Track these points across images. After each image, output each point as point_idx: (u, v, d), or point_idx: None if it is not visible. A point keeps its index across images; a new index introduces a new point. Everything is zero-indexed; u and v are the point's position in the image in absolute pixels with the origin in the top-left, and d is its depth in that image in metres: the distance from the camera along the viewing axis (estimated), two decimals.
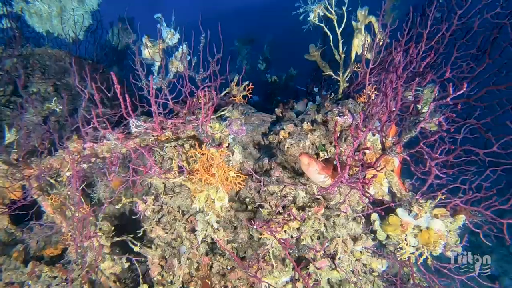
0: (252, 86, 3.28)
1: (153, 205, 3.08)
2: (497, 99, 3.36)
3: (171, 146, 2.69)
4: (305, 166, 2.52)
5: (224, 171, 2.41)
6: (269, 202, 2.83)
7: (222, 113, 3.05)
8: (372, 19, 3.26)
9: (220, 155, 2.39)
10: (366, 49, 3.24)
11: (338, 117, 2.89)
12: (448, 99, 2.07)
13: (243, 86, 3.14)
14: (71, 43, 5.23)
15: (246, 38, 6.34)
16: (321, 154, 2.77)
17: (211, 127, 2.73)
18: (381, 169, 2.11)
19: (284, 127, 3.27)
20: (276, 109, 3.69)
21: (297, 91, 5.63)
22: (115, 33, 5.83)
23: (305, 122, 3.09)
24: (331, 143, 2.86)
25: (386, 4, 3.74)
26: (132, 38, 3.48)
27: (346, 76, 3.49)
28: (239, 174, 2.47)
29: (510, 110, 3.28)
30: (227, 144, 2.65)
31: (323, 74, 3.60)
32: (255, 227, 2.27)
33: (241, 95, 3.15)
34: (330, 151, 2.78)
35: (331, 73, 3.49)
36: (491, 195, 2.56)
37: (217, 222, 2.49)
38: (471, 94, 3.39)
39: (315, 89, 3.77)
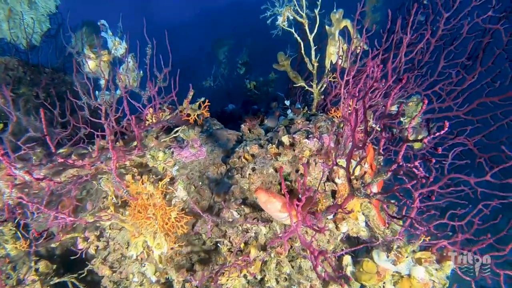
0: (209, 103, 2.85)
1: (98, 241, 2.66)
2: (491, 113, 2.97)
3: (107, 179, 2.25)
4: (263, 204, 2.11)
5: (165, 211, 1.99)
6: (229, 238, 2.43)
7: (175, 134, 2.62)
8: (347, 23, 2.84)
9: (159, 193, 1.96)
10: (341, 57, 2.82)
11: (306, 140, 2.47)
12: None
13: (197, 104, 2.71)
14: (28, 50, 4.77)
15: (223, 40, 5.88)
16: (285, 183, 2.35)
17: (153, 156, 2.30)
18: (349, 212, 1.69)
19: (248, 148, 2.86)
20: (242, 125, 3.26)
21: (277, 98, 5.22)
22: (78, 38, 5.35)
23: (271, 144, 2.67)
24: (297, 171, 2.45)
25: (366, 5, 3.32)
26: (75, 48, 3.02)
27: (321, 88, 3.07)
28: (182, 215, 2.05)
29: (506, 125, 2.89)
30: (170, 178, 2.22)
31: (294, 85, 3.19)
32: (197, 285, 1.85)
33: (195, 114, 2.72)
34: (295, 181, 2.36)
35: (304, 84, 3.07)
36: (483, 232, 2.17)
37: (155, 274, 2.07)
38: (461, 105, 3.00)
39: (287, 102, 3.35)
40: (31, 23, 4.53)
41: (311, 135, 2.54)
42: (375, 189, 2.57)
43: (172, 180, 2.30)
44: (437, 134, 2.54)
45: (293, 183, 2.36)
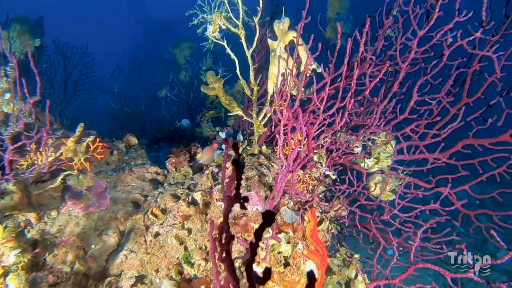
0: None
1: None
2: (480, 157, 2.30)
3: None
4: None
5: None
6: None
7: (54, 185, 1.93)
8: (294, 35, 2.15)
9: None
10: (286, 80, 2.12)
11: (219, 203, 1.79)
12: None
13: (83, 144, 1.99)
14: None
15: (183, 43, 5.15)
16: (186, 268, 1.68)
17: None
18: None
19: (159, 199, 2.18)
20: (167, 162, 2.57)
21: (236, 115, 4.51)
22: (11, 37, 4.61)
23: (182, 200, 1.99)
24: (206, 248, 1.77)
25: (327, 12, 2.61)
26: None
27: (263, 119, 2.38)
28: None
29: (497, 176, 2.23)
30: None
31: (228, 114, 2.51)
32: None
33: (83, 157, 2.01)
34: (200, 266, 1.68)
35: (241, 112, 2.38)
36: None
37: None
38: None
39: (221, 134, 2.65)
40: None
41: None
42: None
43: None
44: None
45: (196, 270, 1.68)
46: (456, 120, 1.91)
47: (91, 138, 1.99)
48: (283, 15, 2.35)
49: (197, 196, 1.91)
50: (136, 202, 2.34)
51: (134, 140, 2.97)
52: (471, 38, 1.67)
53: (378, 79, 1.73)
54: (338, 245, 2.61)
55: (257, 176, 2.01)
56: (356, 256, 2.49)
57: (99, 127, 5.76)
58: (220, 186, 1.96)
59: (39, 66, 5.07)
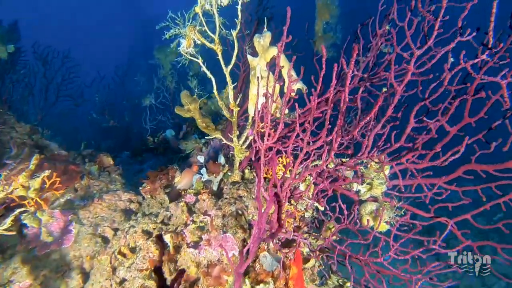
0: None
1: None
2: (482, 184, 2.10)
3: None
4: None
5: None
6: None
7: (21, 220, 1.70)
8: (275, 52, 1.92)
9: None
10: (268, 103, 1.89)
11: (191, 250, 1.57)
12: None
13: (38, 180, 1.75)
14: None
15: (167, 48, 4.87)
16: None
17: None
18: None
19: (128, 236, 1.96)
20: (140, 188, 2.35)
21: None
22: None
23: (151, 242, 1.77)
24: None
25: (316, 22, 2.37)
26: None
27: (244, 142, 2.15)
28: None
29: (502, 205, 2.02)
30: None
31: (206, 138, 2.29)
32: None
33: (37, 196, 1.77)
34: None
35: (220, 135, 2.15)
36: None
37: None
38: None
39: (200, 158, 2.42)
40: None
41: (206, 234, 1.64)
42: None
43: None
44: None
45: None
46: (460, 147, 1.69)
47: (47, 173, 1.75)
48: (265, 27, 2.11)
49: (167, 238, 1.69)
50: (105, 236, 2.12)
51: (108, 161, 2.74)
52: (476, 61, 1.44)
53: (370, 116, 1.50)
54: (330, 272, 2.41)
55: (235, 213, 1.80)
56: (348, 284, 2.31)
57: (83, 135, 5.51)
58: (194, 225, 1.74)
59: (16, 73, 4.79)
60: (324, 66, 1.42)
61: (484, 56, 1.41)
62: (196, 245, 1.60)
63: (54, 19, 21.46)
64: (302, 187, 2.04)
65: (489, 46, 1.38)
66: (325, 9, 2.27)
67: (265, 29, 2.07)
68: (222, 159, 2.43)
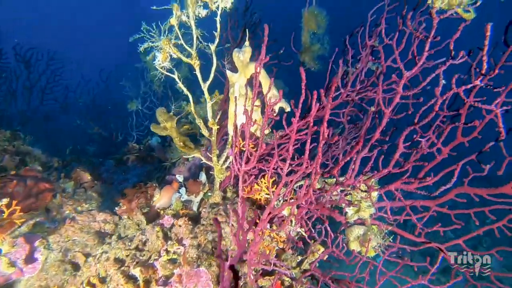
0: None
1: None
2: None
3: None
4: None
5: None
6: None
7: None
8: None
9: None
10: (250, 121, 1.76)
11: (162, 287, 1.45)
12: None
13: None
14: None
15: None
16: None
17: None
18: None
19: (99, 264, 1.82)
20: (116, 209, 2.21)
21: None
22: None
23: (120, 275, 1.64)
24: None
25: (302, 33, 2.24)
26: None
27: (224, 161, 2.03)
28: None
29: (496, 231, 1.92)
30: None
31: (185, 158, 2.16)
32: None
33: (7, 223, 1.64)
34: None
35: (199, 154, 2.02)
36: None
37: None
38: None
39: (179, 178, 2.29)
40: None
41: (178, 268, 1.52)
42: None
43: None
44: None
45: None
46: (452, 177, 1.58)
47: (5, 201, 1.62)
48: (246, 40, 1.98)
49: (137, 272, 1.57)
50: (75, 263, 1.99)
51: (85, 177, 2.60)
52: (468, 86, 1.33)
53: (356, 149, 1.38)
54: None
55: (212, 242, 1.67)
56: None
57: (69, 140, 5.33)
58: (166, 257, 1.62)
59: None
60: (303, 92, 1.29)
61: (477, 82, 1.29)
62: (166, 281, 1.48)
63: (54, 19, 21.08)
64: (285, 212, 1.93)
65: (483, 72, 1.26)
66: (312, 19, 2.14)
67: (246, 43, 1.94)
68: (203, 177, 2.30)
